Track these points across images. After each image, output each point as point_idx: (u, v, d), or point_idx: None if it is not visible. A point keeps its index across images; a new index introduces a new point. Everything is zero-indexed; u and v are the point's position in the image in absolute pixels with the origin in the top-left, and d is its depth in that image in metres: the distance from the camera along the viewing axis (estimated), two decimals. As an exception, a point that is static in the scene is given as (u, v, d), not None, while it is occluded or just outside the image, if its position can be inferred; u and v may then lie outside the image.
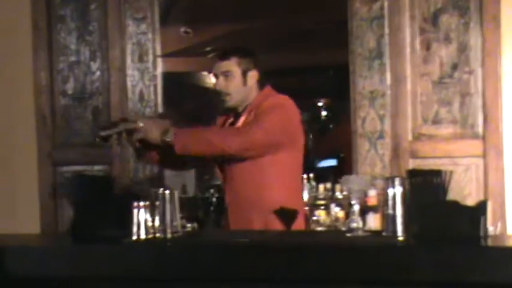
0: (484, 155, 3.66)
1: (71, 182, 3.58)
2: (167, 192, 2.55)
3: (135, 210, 2.50)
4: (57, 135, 4.26)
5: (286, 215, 3.08)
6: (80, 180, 2.78)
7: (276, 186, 3.06)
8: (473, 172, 3.66)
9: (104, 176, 3.93)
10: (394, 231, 2.38)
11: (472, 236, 2.25)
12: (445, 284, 2.15)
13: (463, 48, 3.71)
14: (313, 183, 3.91)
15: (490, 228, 2.32)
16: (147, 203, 2.52)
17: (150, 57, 4.14)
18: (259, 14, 5.64)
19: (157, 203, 2.53)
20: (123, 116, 3.40)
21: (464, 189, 3.62)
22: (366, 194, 3.25)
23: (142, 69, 4.16)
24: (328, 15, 5.31)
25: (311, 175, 3.95)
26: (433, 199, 2.35)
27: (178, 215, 2.57)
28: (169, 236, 2.52)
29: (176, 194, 2.58)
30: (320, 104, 7.41)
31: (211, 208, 4.43)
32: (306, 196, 3.81)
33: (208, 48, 6.51)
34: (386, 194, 2.39)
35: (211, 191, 4.46)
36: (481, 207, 2.30)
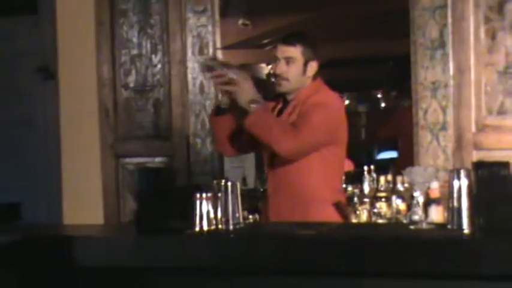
0: (550, 146, 3.57)
1: (135, 175, 3.64)
2: (229, 183, 2.56)
3: (198, 202, 2.52)
4: (119, 128, 4.32)
5: (343, 208, 3.10)
6: (143, 173, 2.82)
7: (316, 180, 3.10)
8: (539, 164, 3.57)
9: (166, 168, 3.97)
10: (460, 224, 2.34)
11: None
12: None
13: (529, 37, 3.62)
14: (374, 175, 3.87)
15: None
16: (210, 194, 2.54)
17: (210, 49, 4.16)
18: (317, 5, 5.62)
19: (219, 194, 2.55)
20: (235, 66, 3.42)
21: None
22: (428, 186, 3.21)
23: (202, 61, 4.18)
24: (388, 4, 5.25)
25: (372, 167, 3.91)
26: (499, 191, 2.30)
27: (240, 207, 2.58)
28: (231, 227, 2.54)
29: (238, 185, 2.60)
30: (379, 95, 7.35)
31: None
32: (366, 188, 3.79)
33: (266, 41, 6.52)
34: (452, 186, 2.36)
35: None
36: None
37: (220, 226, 2.53)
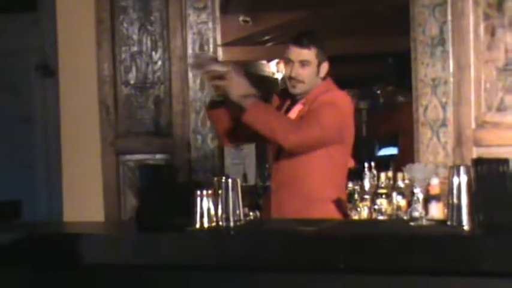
0: (550, 143, 3.57)
1: (136, 172, 3.64)
2: (230, 180, 2.57)
3: (199, 199, 2.52)
4: (119, 125, 4.32)
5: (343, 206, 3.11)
6: (144, 170, 2.82)
7: (320, 177, 3.11)
8: (539, 161, 3.57)
9: (167, 165, 3.97)
10: (459, 220, 2.34)
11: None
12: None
13: (528, 34, 3.62)
14: (374, 171, 3.87)
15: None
16: (210, 191, 2.54)
17: (211, 46, 4.16)
18: (317, 1, 5.62)
19: (220, 191, 2.55)
20: (222, 61, 3.39)
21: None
22: (428, 183, 3.21)
23: (203, 58, 4.18)
24: (388, 1, 5.25)
25: (372, 163, 3.91)
26: (499, 188, 2.30)
27: (240, 204, 2.58)
28: (232, 224, 2.54)
29: (239, 182, 2.60)
30: (379, 91, 7.34)
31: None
32: (367, 185, 3.79)
33: (266, 37, 6.51)
34: (451, 183, 2.36)
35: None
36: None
37: (220, 223, 2.53)
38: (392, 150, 6.12)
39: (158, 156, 4.23)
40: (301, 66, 3.13)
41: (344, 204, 3.22)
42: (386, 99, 6.46)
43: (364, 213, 3.68)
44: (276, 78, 7.13)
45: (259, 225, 2.82)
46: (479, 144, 3.71)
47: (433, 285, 2.21)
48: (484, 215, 2.27)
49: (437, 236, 2.25)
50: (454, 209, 2.35)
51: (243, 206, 2.64)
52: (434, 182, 3.12)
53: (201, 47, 4.17)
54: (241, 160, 4.75)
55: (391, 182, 3.72)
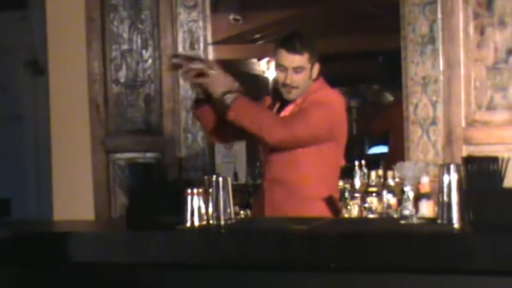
0: (540, 142, 3.59)
1: (126, 170, 3.63)
2: (220, 179, 2.56)
3: (189, 198, 2.51)
4: (110, 123, 4.32)
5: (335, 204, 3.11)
6: (134, 169, 2.81)
7: (313, 176, 3.11)
8: (529, 159, 3.59)
9: (157, 163, 3.97)
10: (450, 218, 2.35)
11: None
12: (502, 272, 2.13)
13: (518, 33, 3.64)
14: (365, 169, 3.87)
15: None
16: (201, 190, 2.53)
17: (201, 44, 4.16)
18: (307, 0, 5.62)
19: (210, 190, 2.55)
20: (202, 58, 3.33)
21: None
22: (419, 181, 3.22)
23: (193, 56, 4.17)
24: (378, 0, 5.26)
25: (362, 162, 3.92)
26: (489, 186, 2.32)
27: (231, 202, 2.58)
28: (222, 222, 2.54)
29: (229, 180, 2.60)
30: (369, 90, 7.35)
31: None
32: (357, 183, 3.79)
33: (257, 36, 6.51)
34: (442, 181, 2.36)
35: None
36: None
37: (211, 221, 2.53)
38: (382, 149, 6.13)
39: (148, 154, 4.23)
40: (295, 73, 3.09)
41: (337, 202, 3.21)
42: (372, 97, 6.49)
43: (355, 211, 3.69)
44: (267, 77, 7.13)
45: (250, 224, 2.81)
46: (469, 143, 3.72)
47: (424, 283, 2.21)
48: (474, 213, 2.28)
49: (428, 234, 2.25)
50: (444, 207, 2.36)
51: (234, 205, 2.64)
52: (425, 180, 3.13)
53: (192, 46, 4.17)
54: (232, 158, 4.75)
55: (382, 180, 3.72)
